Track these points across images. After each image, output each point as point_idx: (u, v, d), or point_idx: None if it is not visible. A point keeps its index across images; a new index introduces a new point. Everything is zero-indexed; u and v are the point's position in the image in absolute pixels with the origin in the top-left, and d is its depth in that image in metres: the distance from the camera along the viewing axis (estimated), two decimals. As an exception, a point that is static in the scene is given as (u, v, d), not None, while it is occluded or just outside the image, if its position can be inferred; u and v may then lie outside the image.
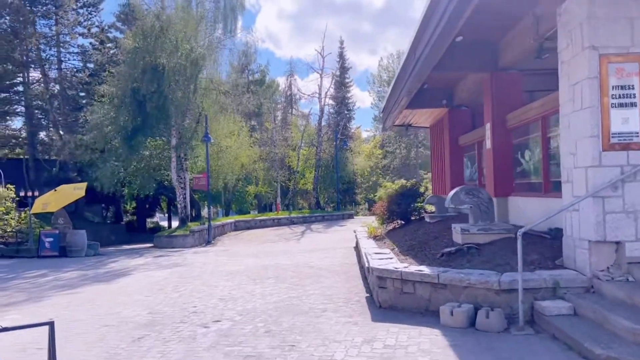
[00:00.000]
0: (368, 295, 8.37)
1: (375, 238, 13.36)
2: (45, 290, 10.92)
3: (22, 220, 20.01)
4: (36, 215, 20.27)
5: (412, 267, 7.00)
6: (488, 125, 10.33)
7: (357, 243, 17.22)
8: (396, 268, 6.95)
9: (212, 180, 26.32)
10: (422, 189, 14.46)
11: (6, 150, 29.17)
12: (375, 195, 17.20)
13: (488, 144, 10.37)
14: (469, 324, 5.99)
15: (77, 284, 11.69)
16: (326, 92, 38.60)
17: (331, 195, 39.59)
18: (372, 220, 20.58)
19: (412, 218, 14.01)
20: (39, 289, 11.26)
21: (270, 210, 45.40)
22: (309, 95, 39.23)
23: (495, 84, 10.13)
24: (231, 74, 41.01)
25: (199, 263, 14.83)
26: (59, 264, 16.24)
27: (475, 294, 6.19)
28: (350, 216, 35.44)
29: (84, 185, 19.15)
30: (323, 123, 38.94)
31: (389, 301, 7.04)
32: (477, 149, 12.69)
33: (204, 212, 38.07)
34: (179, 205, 26.44)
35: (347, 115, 44.18)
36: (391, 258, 7.93)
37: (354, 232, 17.62)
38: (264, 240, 23.32)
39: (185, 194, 26.51)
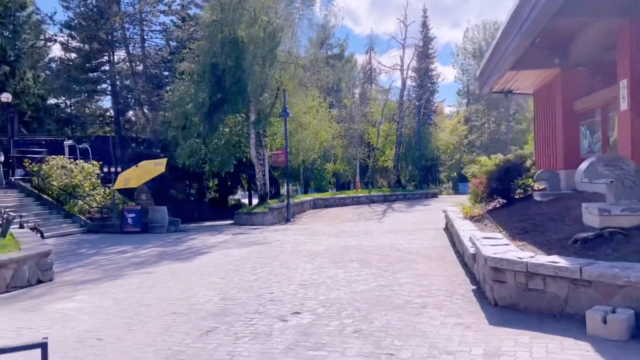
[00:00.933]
0: (475, 287, 6.95)
1: (472, 219, 11.78)
2: (120, 268, 10.51)
3: (107, 195, 20.33)
4: (120, 191, 20.52)
5: (541, 257, 5.49)
6: (624, 82, 8.36)
7: (447, 224, 15.68)
8: (519, 258, 5.48)
9: (291, 157, 25.57)
10: (528, 164, 12.59)
11: (95, 128, 30.25)
12: (467, 173, 15.61)
13: (624, 105, 8.41)
14: (629, 336, 4.46)
15: (153, 262, 11.23)
16: (408, 64, 36.48)
17: (413, 173, 37.71)
18: (464, 199, 18.85)
19: (515, 197, 12.22)
20: (115, 266, 10.89)
21: (348, 188, 44.36)
22: (390, 67, 37.27)
23: (636, 30, 8.11)
24: (309, 48, 40.03)
25: (278, 242, 14.02)
26: (139, 240, 16.16)
27: (637, 296, 4.61)
28: (434, 195, 33.52)
29: (164, 161, 19.02)
30: (405, 97, 36.93)
31: (508, 299, 5.60)
32: (602, 114, 10.63)
33: (283, 190, 37.79)
34: (258, 183, 26.01)
35: (431, 89, 41.76)
36: (507, 244, 6.43)
37: (444, 212, 16.05)
38: (343, 219, 22.28)
39: (264, 170, 26.00)
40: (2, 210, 13.75)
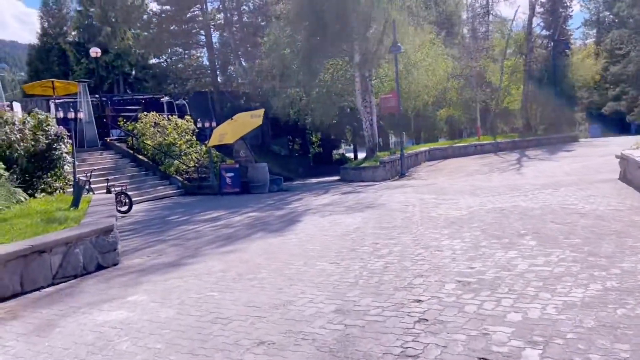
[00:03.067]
0: None
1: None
2: (205, 244, 8.22)
3: (204, 154, 18.56)
4: (218, 148, 18.69)
5: None
6: None
7: (624, 174, 11.75)
8: None
9: (402, 101, 22.11)
10: None
11: (193, 83, 28.82)
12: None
13: None
14: None
15: (246, 235, 8.84)
16: (539, -17, 30.70)
17: (543, 115, 32.21)
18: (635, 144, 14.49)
19: None
20: (200, 240, 8.65)
21: (461, 137, 39.93)
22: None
23: None
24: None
25: (399, 204, 11.06)
26: (237, 202, 14.09)
27: None
28: (574, 139, 28.39)
29: (261, 112, 16.63)
30: (533, 25, 31.30)
31: None
32: None
33: (392, 143, 34.54)
34: (365, 134, 22.99)
35: (563, 14, 35.13)
36: None
37: (621, 157, 12.00)
38: (470, 172, 18.71)
39: (371, 120, 22.87)
40: (87, 175, 12.21)
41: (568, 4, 36.37)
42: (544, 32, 32.69)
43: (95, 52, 18.54)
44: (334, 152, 44.76)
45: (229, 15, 29.62)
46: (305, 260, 6.44)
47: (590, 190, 10.65)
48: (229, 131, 16.04)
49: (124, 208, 12.93)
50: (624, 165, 12.12)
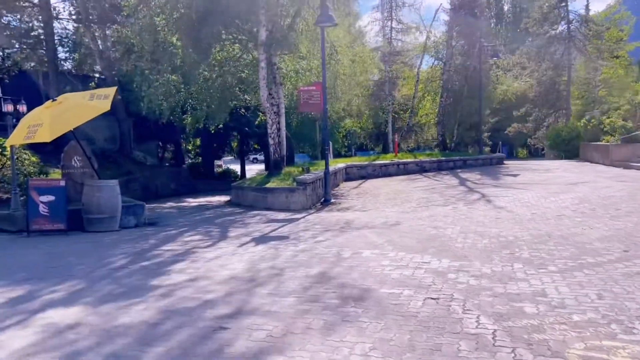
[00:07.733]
0: None
1: None
2: None
3: (8, 161, 10.84)
4: (37, 150, 11.11)
5: None
6: None
7: None
8: None
9: (328, 101, 16.30)
10: None
11: (19, 55, 19.73)
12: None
13: None
14: None
15: None
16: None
17: (458, 132, 28.66)
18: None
19: None
20: None
21: (354, 153, 35.92)
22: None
23: None
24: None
25: (411, 289, 5.00)
26: (49, 259, 7.01)
27: None
28: (500, 161, 24.87)
29: (111, 91, 9.43)
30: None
31: None
32: None
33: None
34: (270, 141, 16.76)
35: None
36: None
37: None
38: (419, 200, 13.33)
39: (279, 122, 16.80)
40: None
41: (478, 14, 33.81)
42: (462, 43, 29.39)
43: None
44: (215, 162, 37.70)
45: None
46: None
47: None
48: (45, 120, 8.66)
49: None
50: None
